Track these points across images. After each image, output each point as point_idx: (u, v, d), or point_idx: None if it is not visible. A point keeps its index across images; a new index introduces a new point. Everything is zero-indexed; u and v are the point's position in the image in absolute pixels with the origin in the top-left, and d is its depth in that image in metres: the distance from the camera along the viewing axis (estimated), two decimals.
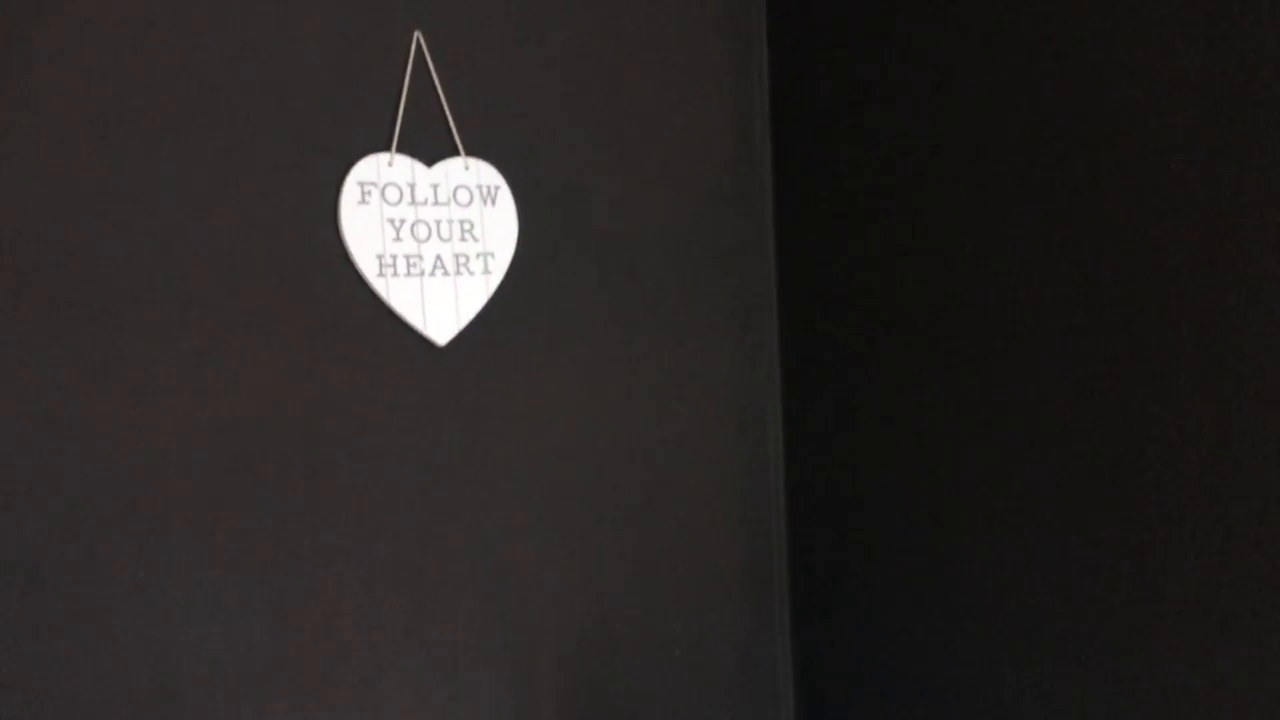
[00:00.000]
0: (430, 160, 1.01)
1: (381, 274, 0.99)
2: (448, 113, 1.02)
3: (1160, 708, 0.89)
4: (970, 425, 1.04)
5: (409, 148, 1.00)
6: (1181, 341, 0.85)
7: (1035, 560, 0.99)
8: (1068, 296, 0.93)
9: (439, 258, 1.02)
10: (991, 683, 1.04)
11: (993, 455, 1.02)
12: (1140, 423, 0.89)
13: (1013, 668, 1.01)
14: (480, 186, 1.04)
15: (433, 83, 1.01)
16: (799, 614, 1.28)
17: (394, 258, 0.99)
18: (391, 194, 0.99)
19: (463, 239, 1.03)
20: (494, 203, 1.05)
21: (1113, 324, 0.90)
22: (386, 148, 0.99)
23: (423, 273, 1.01)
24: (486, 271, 1.05)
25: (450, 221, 1.02)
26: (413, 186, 1.00)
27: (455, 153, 1.03)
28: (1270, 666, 0.82)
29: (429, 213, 1.01)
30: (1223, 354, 0.82)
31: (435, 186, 1.02)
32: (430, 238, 1.01)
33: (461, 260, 1.03)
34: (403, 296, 1.00)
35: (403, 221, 1.00)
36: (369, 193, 0.98)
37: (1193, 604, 0.86)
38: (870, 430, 1.15)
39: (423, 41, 1.00)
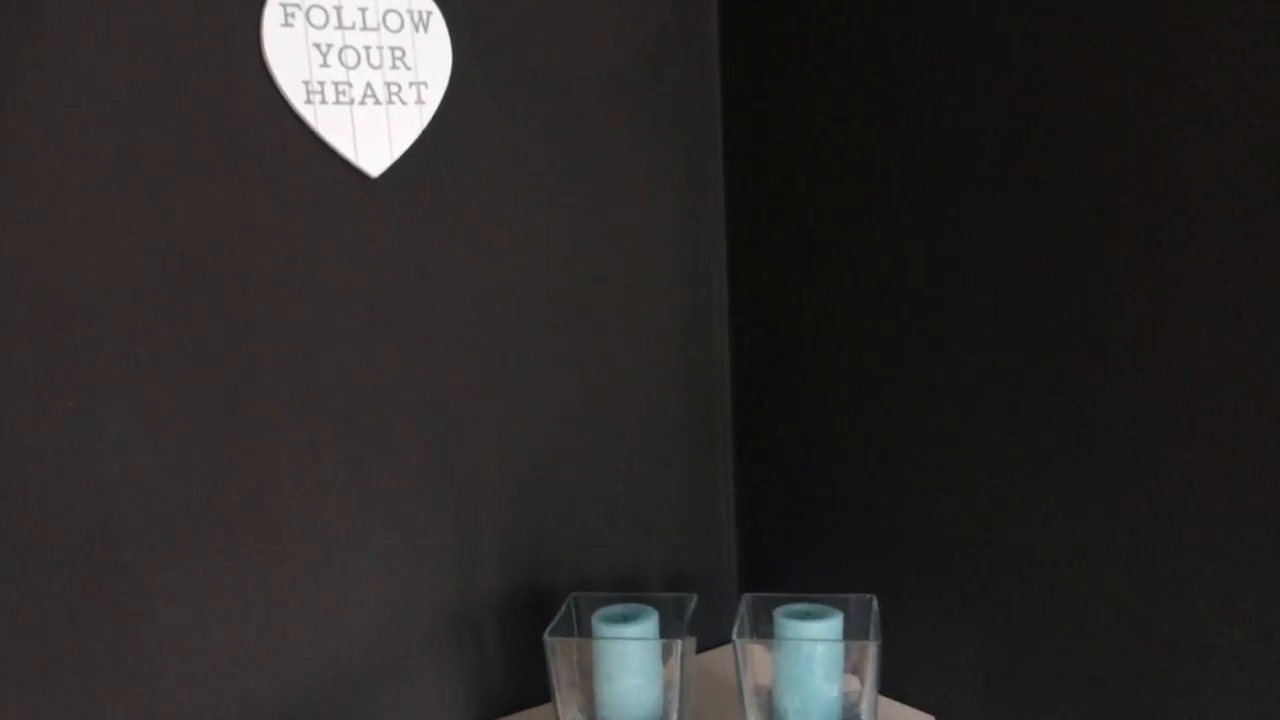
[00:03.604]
0: None
1: (309, 101, 0.95)
2: None
3: (1089, 529, 0.92)
4: (915, 270, 1.04)
5: None
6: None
7: (971, 398, 1.00)
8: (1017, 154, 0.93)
9: (369, 85, 0.98)
10: (926, 515, 1.06)
11: (934, 300, 1.02)
12: (1083, 270, 0.89)
13: (948, 497, 1.04)
14: (411, 11, 1.00)
15: None
16: (742, 453, 1.30)
17: (321, 84, 0.95)
18: (317, 16, 0.95)
19: (394, 66, 0.99)
20: (426, 29, 1.01)
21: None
22: None
23: (352, 101, 0.97)
24: (420, 102, 1.01)
25: (380, 48, 0.98)
26: (339, 9, 0.96)
27: None
28: (1192, 483, 0.84)
29: (357, 38, 0.97)
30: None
31: (363, 10, 0.97)
32: (360, 64, 0.97)
33: (393, 89, 0.99)
34: (332, 125, 0.96)
35: (330, 46, 0.96)
36: (292, 15, 0.93)
37: (1119, 419, 0.88)
38: (814, 277, 1.15)
39: None
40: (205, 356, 0.93)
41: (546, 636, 0.96)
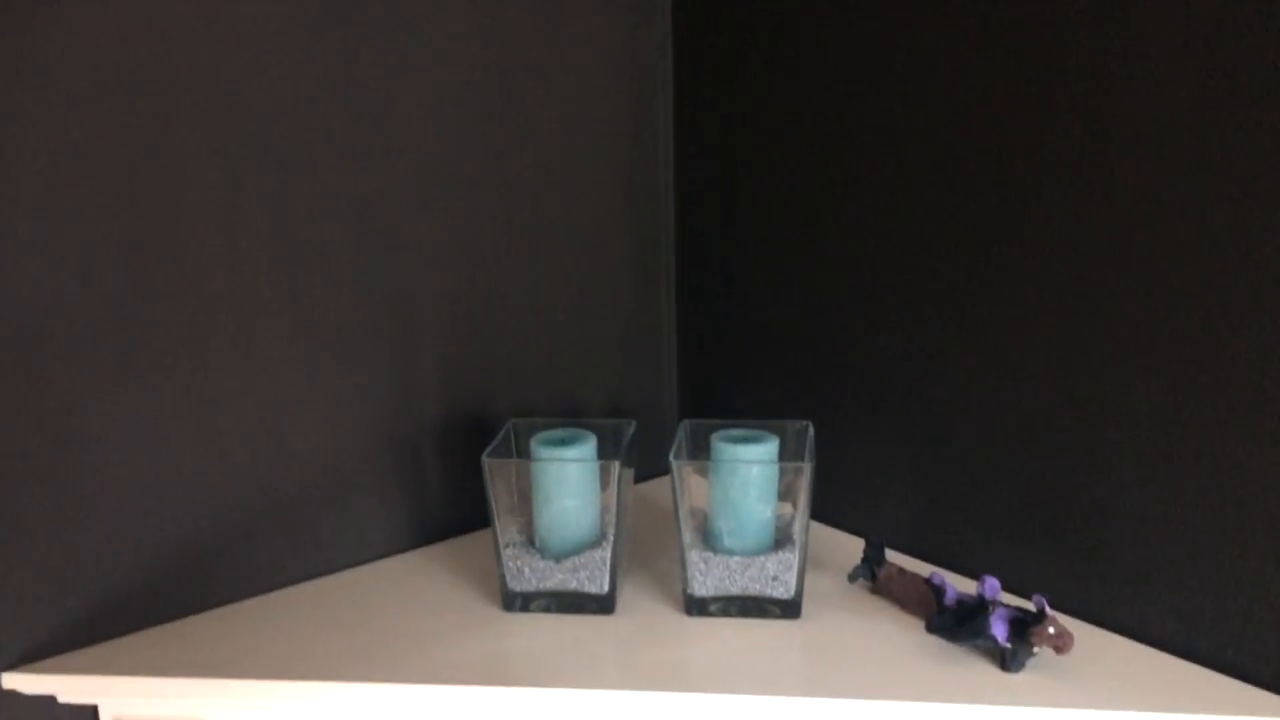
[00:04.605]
0: None
1: None
2: None
3: (1018, 359, 0.93)
4: (857, 105, 1.01)
5: None
6: None
7: (909, 235, 0.99)
8: None
9: None
10: (863, 348, 1.07)
11: (875, 137, 1.00)
12: (1017, 109, 0.88)
13: (885, 331, 1.04)
14: None
15: None
16: (683, 283, 1.29)
17: None
18: None
19: None
20: None
21: None
22: None
23: None
24: None
25: None
26: None
27: None
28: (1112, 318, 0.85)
29: None
30: None
31: None
32: None
33: None
34: None
35: None
36: None
37: (1048, 258, 0.88)
38: (759, 111, 1.13)
39: None
40: (125, 169, 0.89)
41: (485, 458, 0.96)
